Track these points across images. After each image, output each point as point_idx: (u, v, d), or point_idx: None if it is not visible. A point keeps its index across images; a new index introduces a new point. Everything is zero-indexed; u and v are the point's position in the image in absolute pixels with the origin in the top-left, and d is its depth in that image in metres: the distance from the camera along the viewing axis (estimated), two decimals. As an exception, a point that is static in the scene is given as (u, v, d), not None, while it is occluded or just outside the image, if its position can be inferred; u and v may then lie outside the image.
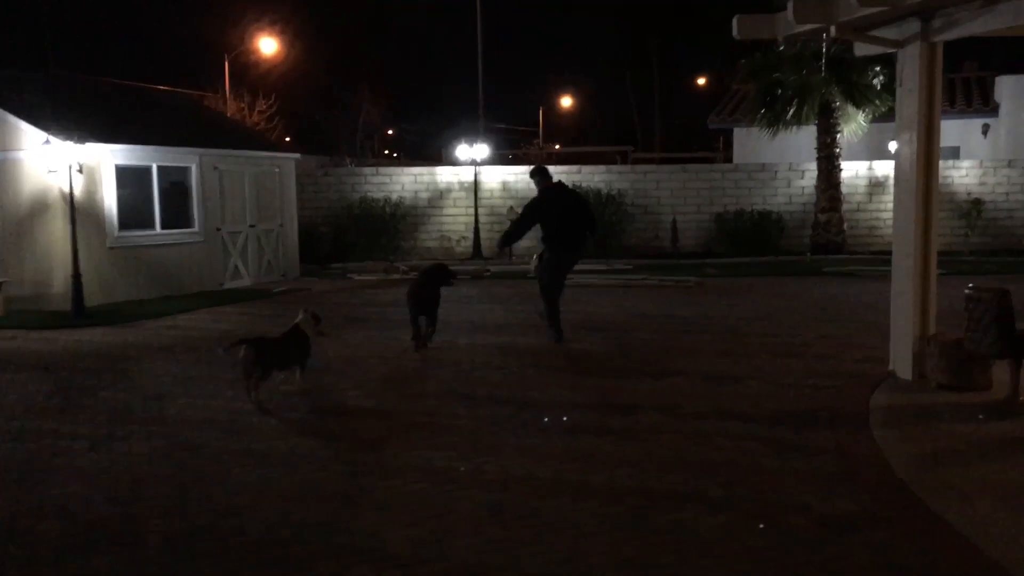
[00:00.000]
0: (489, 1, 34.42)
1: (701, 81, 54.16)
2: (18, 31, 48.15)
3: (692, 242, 21.19)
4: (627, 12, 52.52)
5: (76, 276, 12.85)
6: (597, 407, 7.42)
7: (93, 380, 8.78)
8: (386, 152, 51.78)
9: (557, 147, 45.72)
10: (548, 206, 10.50)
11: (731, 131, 26.76)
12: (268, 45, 36.63)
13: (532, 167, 11.17)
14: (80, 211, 13.54)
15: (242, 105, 37.27)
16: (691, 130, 47.91)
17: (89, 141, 13.61)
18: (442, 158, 26.79)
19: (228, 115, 34.91)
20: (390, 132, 53.39)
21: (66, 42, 41.64)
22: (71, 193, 12.80)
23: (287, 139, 42.26)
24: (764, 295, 14.64)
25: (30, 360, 9.85)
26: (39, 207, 13.52)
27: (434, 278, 10.16)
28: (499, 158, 34.45)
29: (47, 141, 12.82)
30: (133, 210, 14.75)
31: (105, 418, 7.32)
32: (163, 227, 15.27)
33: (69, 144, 12.77)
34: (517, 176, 21.78)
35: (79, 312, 12.80)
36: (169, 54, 42.48)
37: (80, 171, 13.16)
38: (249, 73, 37.77)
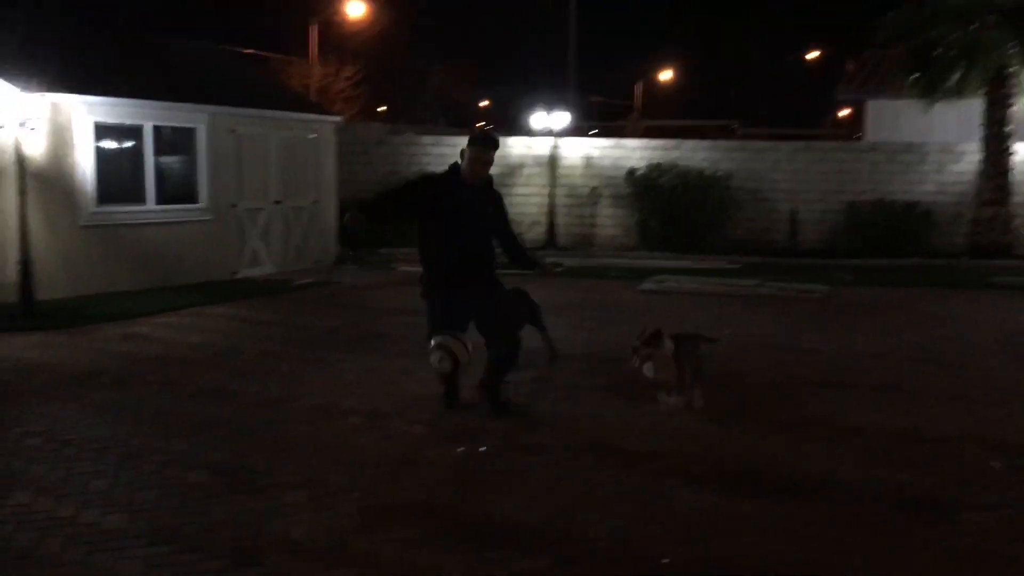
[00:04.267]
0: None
1: (812, 55, 49.28)
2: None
3: (815, 236, 17.39)
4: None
5: (25, 263, 10.03)
6: None
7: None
8: (479, 124, 48.70)
9: (653, 122, 41.85)
10: (419, 193, 6.19)
11: (843, 108, 22.67)
12: (356, 8, 34.18)
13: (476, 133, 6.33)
14: (43, 179, 10.79)
15: (328, 71, 34.78)
16: (801, 106, 43.67)
17: (55, 90, 10.79)
18: (520, 129, 23.52)
19: (315, 82, 32.51)
20: (482, 104, 50.45)
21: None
22: (18, 155, 9.97)
23: (381, 109, 39.47)
24: (922, 318, 10.90)
25: None
26: (-10, 173, 10.75)
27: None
28: (589, 132, 30.96)
29: (-14, 89, 10.01)
30: (119, 180, 11.91)
31: None
32: (159, 202, 12.39)
33: (15, 92, 9.94)
34: (603, 151, 18.33)
35: (27, 309, 9.98)
36: (255, 19, 39.89)
37: (32, 128, 10.26)
38: (337, 39, 35.31)
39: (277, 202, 14.22)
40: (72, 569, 4.02)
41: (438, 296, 6.00)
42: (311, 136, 15.03)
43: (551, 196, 18.09)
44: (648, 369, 6.19)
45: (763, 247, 17.07)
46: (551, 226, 18.05)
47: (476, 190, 5.91)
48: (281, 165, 14.29)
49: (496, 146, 5.98)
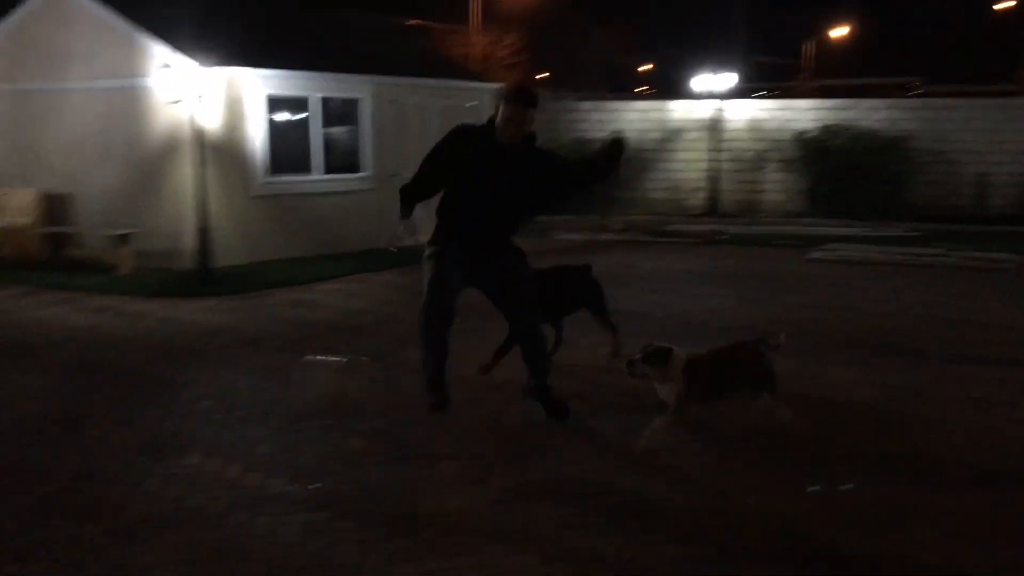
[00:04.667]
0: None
1: (1002, 5, 45.27)
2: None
3: (1005, 201, 16.05)
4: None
5: (203, 231, 10.58)
6: None
7: (82, 403, 6.21)
8: (641, 89, 47.83)
9: (825, 82, 39.72)
10: (449, 153, 5.26)
11: None
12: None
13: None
14: (218, 151, 11.25)
15: (489, 40, 35.03)
16: (990, 60, 40.40)
17: (230, 64, 11.22)
18: (683, 93, 22.79)
19: (477, 51, 32.81)
20: (643, 68, 49.52)
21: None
22: (196, 128, 10.46)
23: (542, 75, 39.45)
24: None
25: (70, 349, 7.48)
26: (170, 145, 11.33)
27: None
28: (755, 94, 29.77)
29: (166, 64, 10.51)
30: (287, 151, 12.31)
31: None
32: (325, 172, 12.75)
33: (193, 67, 10.40)
34: (770, 112, 17.53)
35: (205, 275, 10.54)
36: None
37: (208, 101, 10.73)
38: (499, 7, 35.47)
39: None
40: (236, 531, 4.12)
41: (446, 252, 5.14)
42: (470, 104, 15.04)
43: (714, 161, 17.47)
44: (661, 391, 5.07)
45: (946, 213, 15.89)
46: (713, 192, 17.46)
47: (510, 151, 5.04)
48: (441, 133, 14.35)
49: (535, 103, 4.99)
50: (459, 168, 5.12)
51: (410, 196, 5.38)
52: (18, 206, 11.96)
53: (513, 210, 5.21)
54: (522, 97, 5.00)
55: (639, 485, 4.55)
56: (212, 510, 4.35)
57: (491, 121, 5.14)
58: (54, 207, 12.09)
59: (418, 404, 5.96)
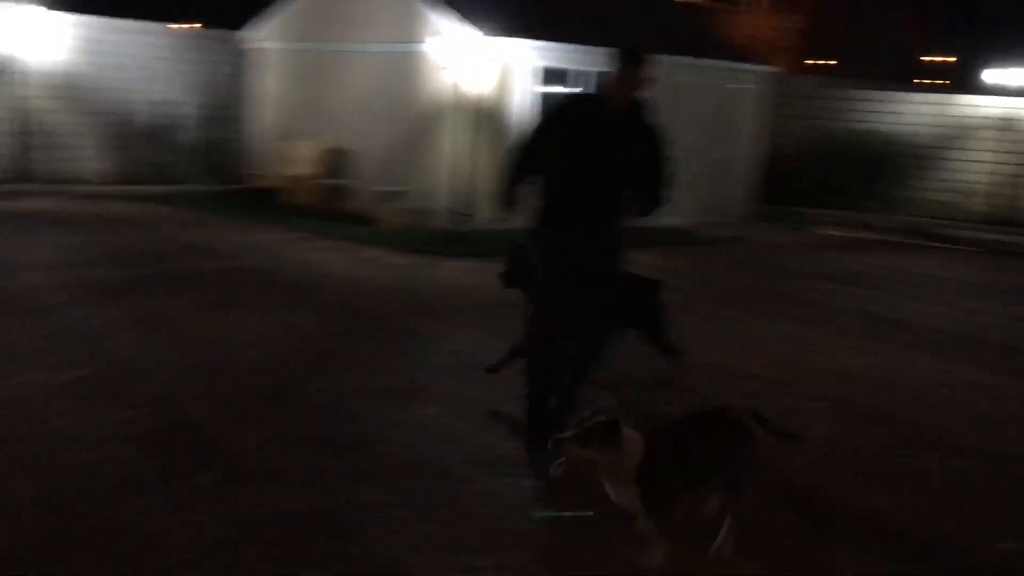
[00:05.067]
0: None
1: None
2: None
3: None
4: None
5: (465, 195, 11.04)
6: None
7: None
8: (932, 80, 44.30)
9: None
10: (551, 132, 4.71)
11: None
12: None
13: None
14: (485, 118, 11.64)
15: (771, 22, 33.88)
16: None
17: (503, 34, 11.54)
18: (980, 88, 20.79)
19: (758, 33, 31.81)
20: (935, 58, 45.76)
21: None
22: (464, 95, 10.90)
23: (829, 62, 37.58)
24: None
25: (335, 293, 8.06)
26: (439, 110, 11.86)
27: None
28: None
29: (442, 32, 10.98)
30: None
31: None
32: (585, 146, 12.84)
33: (468, 35, 10.81)
34: (1078, 113, 15.58)
35: (463, 237, 10.98)
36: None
37: (478, 69, 11.12)
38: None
39: (694, 152, 14.05)
40: (461, 486, 4.26)
41: (551, 248, 4.66)
42: (737, 86, 14.60)
43: (1005, 164, 15.83)
44: (610, 489, 3.51)
45: None
46: (1000, 198, 15.84)
47: (621, 120, 4.58)
48: (701, 114, 14.07)
49: (642, 62, 4.53)
50: (565, 139, 4.63)
51: (510, 191, 4.71)
52: (305, 158, 13.07)
53: (616, 183, 4.64)
54: (628, 55, 4.56)
55: (868, 498, 4.25)
56: (443, 462, 4.54)
57: (598, 90, 4.77)
58: (334, 161, 13.09)
59: (650, 384, 5.92)
